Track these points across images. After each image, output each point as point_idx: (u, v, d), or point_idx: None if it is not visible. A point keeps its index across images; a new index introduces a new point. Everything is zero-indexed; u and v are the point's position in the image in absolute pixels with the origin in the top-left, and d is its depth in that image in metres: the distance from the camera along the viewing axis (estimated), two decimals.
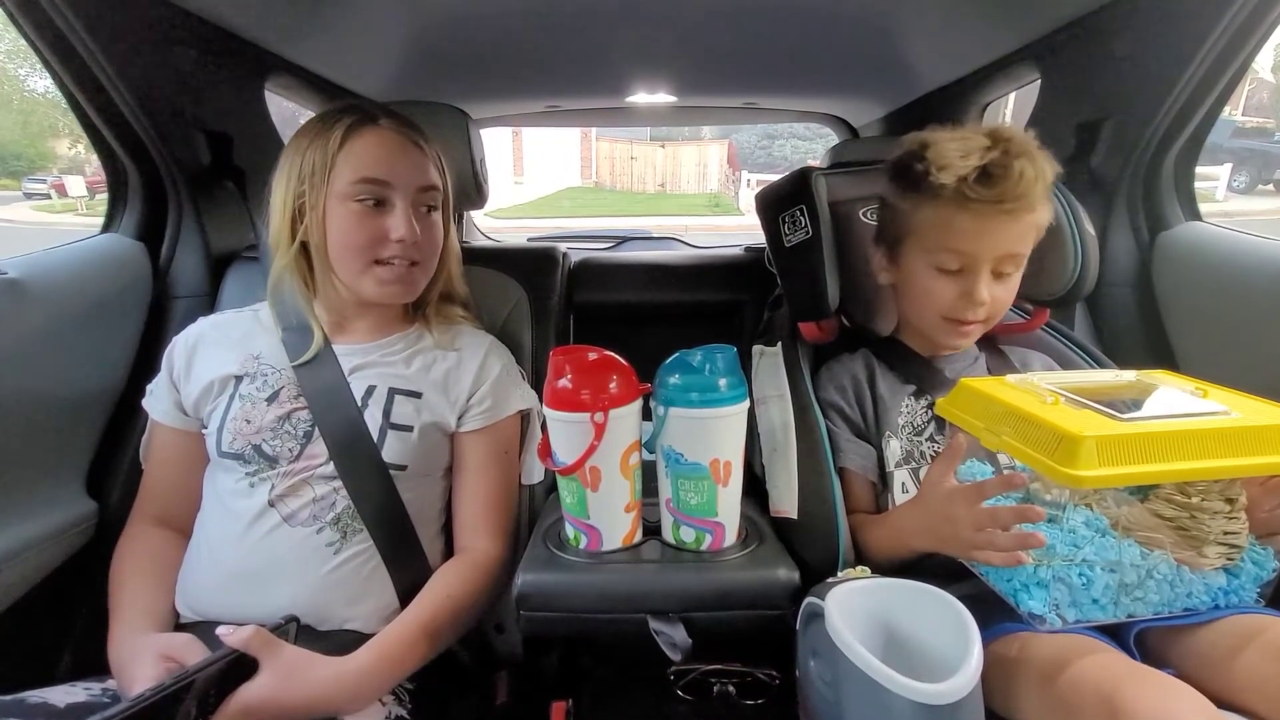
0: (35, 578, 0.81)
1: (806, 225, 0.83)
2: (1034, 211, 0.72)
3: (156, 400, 0.82)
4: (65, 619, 0.83)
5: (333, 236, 0.77)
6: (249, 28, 1.01)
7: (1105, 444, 0.48)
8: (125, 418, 0.93)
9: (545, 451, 0.70)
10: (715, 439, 0.66)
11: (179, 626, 0.74)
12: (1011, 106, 1.52)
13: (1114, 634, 0.57)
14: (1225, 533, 0.54)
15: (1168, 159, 0.97)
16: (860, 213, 0.94)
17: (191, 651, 0.65)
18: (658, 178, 18.59)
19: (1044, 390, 0.56)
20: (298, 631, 0.70)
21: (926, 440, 0.76)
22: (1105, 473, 0.47)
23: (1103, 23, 0.95)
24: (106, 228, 1.00)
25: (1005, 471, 0.60)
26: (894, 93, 1.41)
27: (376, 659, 0.68)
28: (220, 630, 0.62)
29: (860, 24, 1.13)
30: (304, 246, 0.78)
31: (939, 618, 0.49)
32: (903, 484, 0.75)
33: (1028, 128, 1.14)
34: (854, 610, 0.51)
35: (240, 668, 0.62)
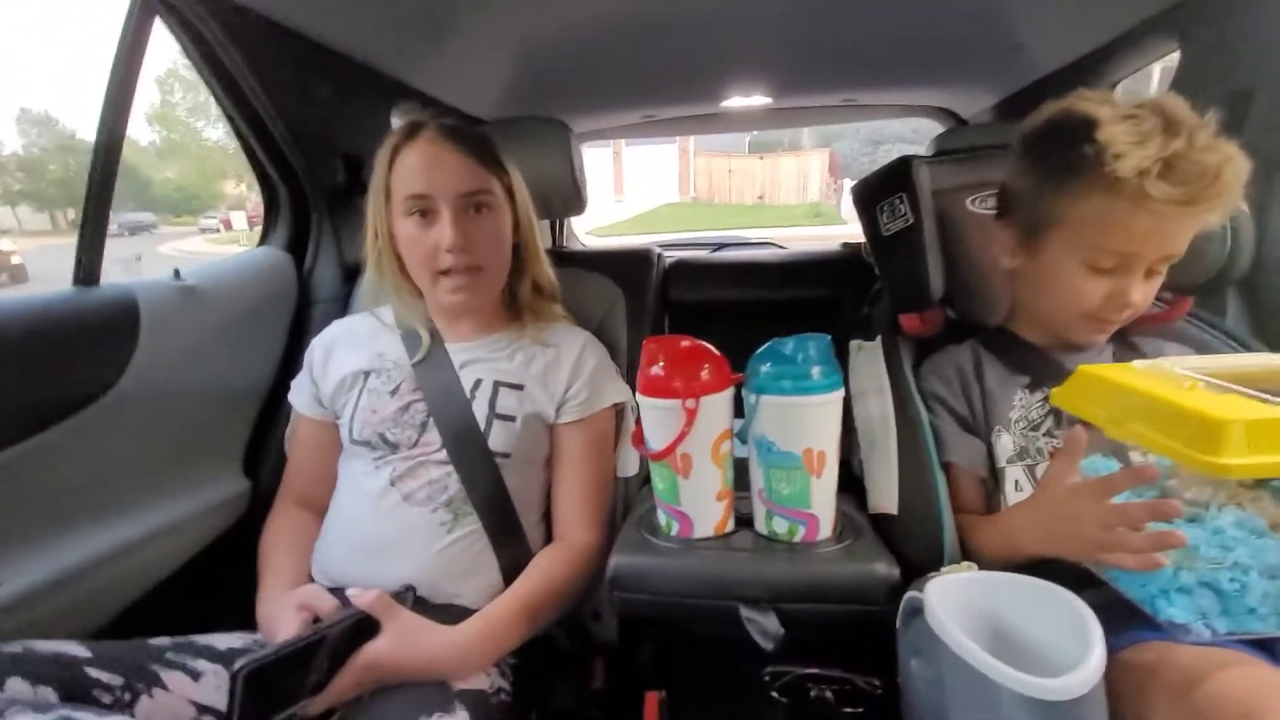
0: (201, 544, 0.94)
1: (907, 212, 0.80)
2: (1222, 210, 0.63)
3: (299, 395, 0.92)
4: (225, 580, 0.95)
5: (402, 251, 0.85)
6: (378, 59, 1.13)
7: (1255, 429, 0.43)
8: (274, 407, 1.05)
9: (639, 439, 0.72)
10: (808, 427, 0.65)
11: None
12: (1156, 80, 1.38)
13: (1263, 647, 0.50)
14: None
15: None
16: (967, 201, 0.89)
17: (320, 599, 0.72)
18: (756, 189, 18.43)
19: (1179, 375, 0.51)
20: (414, 601, 0.75)
21: (1044, 435, 0.70)
22: (1256, 461, 0.42)
23: None
24: (262, 241, 1.15)
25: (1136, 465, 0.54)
26: (1007, 77, 1.32)
27: (482, 631, 0.72)
28: (349, 591, 0.69)
29: (965, 2, 1.08)
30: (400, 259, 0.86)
31: (1053, 615, 0.46)
32: (1016, 481, 0.69)
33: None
34: (957, 603, 0.48)
35: (365, 627, 0.68)
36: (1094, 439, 0.57)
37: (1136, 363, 0.57)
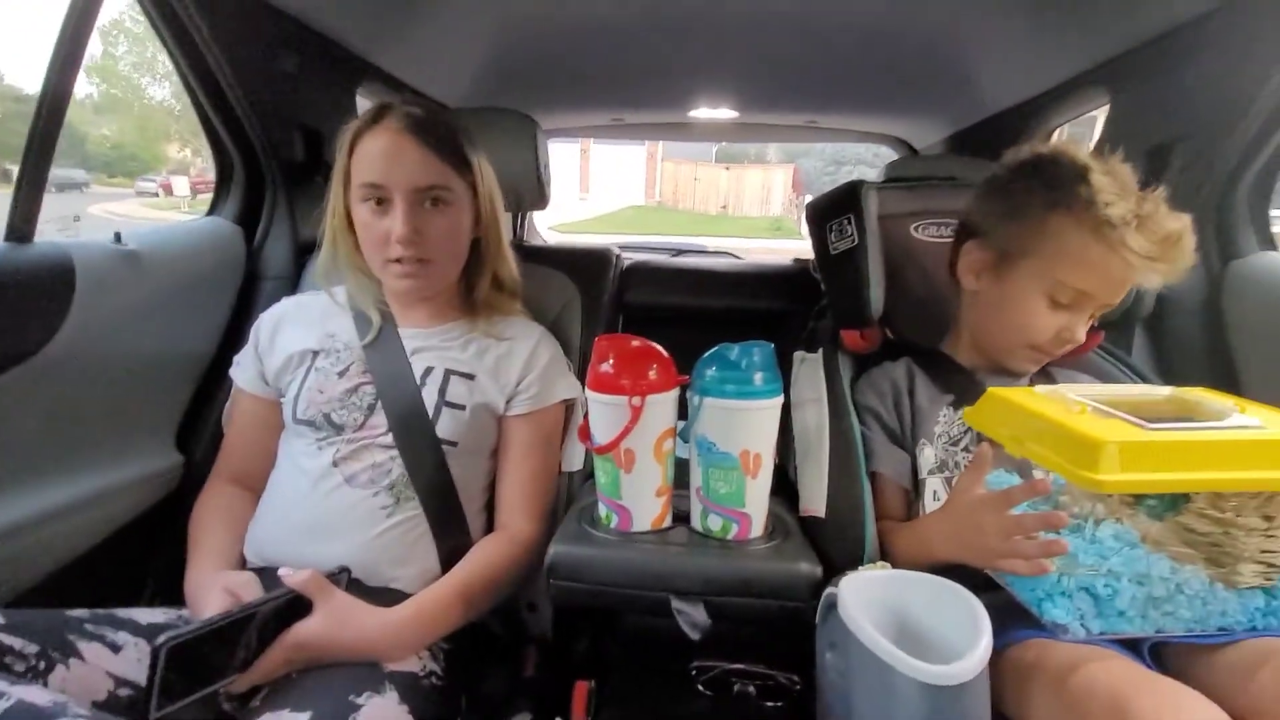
0: (127, 516, 0.91)
1: (853, 234, 0.85)
2: (1173, 275, 0.70)
3: (242, 370, 0.90)
4: (150, 554, 0.92)
5: (357, 234, 0.84)
6: (345, 36, 1.11)
7: (1128, 450, 0.48)
8: (213, 383, 1.03)
9: (585, 433, 0.74)
10: (747, 430, 0.69)
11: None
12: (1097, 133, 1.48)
13: (1132, 646, 0.56)
14: (1262, 551, 0.52)
15: (1242, 185, 0.94)
16: (911, 227, 0.95)
17: (250, 589, 0.71)
18: (720, 199, 18.66)
19: (1072, 400, 0.57)
20: (348, 583, 0.75)
21: (962, 450, 0.76)
22: (1127, 478, 0.47)
23: (1176, 43, 0.94)
24: (212, 211, 1.12)
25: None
26: (957, 114, 1.41)
27: (416, 615, 0.73)
28: (281, 571, 0.68)
29: (923, 41, 1.14)
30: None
31: (953, 610, 0.50)
32: (934, 492, 0.75)
33: (1093, 152, 1.12)
34: (869, 599, 0.52)
35: (297, 607, 0.67)
36: (1001, 455, 0.63)
37: (1038, 387, 0.63)
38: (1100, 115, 1.34)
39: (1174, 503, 0.57)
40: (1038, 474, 0.63)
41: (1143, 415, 0.54)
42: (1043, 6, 1.00)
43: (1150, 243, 0.66)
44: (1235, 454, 0.50)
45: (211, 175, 1.15)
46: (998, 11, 1.03)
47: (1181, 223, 0.68)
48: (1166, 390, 0.64)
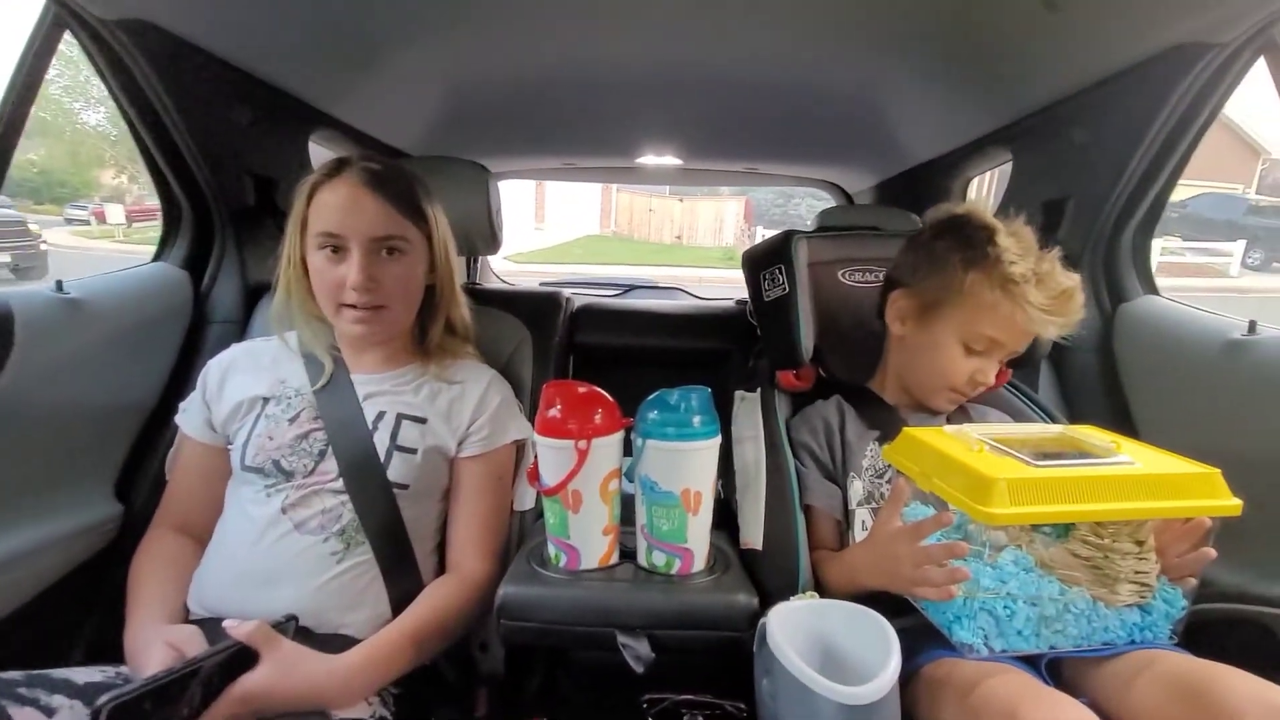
0: (63, 569, 0.88)
1: (784, 282, 0.91)
2: (1066, 328, 0.79)
3: (188, 417, 0.90)
4: (86, 609, 0.89)
5: (311, 281, 0.86)
6: (297, 87, 1.14)
7: (1015, 486, 0.54)
8: (155, 430, 1.01)
9: (534, 475, 0.77)
10: (687, 470, 0.73)
11: (189, 622, 0.80)
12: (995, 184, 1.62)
13: (1031, 662, 0.62)
14: (1136, 572, 0.59)
15: (1125, 235, 1.05)
16: (839, 273, 1.03)
17: (193, 644, 0.70)
18: (675, 229, 18.98)
19: (974, 439, 0.63)
20: (296, 631, 0.75)
21: (886, 482, 0.82)
22: (1014, 511, 0.54)
23: (1064, 110, 1.05)
24: (158, 256, 1.11)
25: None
26: (883, 165, 1.52)
27: (366, 660, 0.73)
28: (227, 623, 0.68)
29: (850, 101, 1.24)
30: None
31: (869, 634, 0.55)
32: (863, 522, 0.80)
33: (1002, 204, 1.23)
34: (795, 627, 0.56)
35: (242, 659, 0.67)
36: (916, 488, 0.69)
37: (946, 427, 0.69)
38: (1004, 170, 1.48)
39: (1064, 530, 0.64)
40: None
41: (1034, 452, 0.61)
42: (952, 74, 1.11)
43: (1047, 298, 0.75)
44: (1109, 487, 0.57)
45: (149, 202, 1.14)
46: (914, 76, 1.14)
47: (1073, 281, 0.77)
48: (1058, 428, 0.72)
